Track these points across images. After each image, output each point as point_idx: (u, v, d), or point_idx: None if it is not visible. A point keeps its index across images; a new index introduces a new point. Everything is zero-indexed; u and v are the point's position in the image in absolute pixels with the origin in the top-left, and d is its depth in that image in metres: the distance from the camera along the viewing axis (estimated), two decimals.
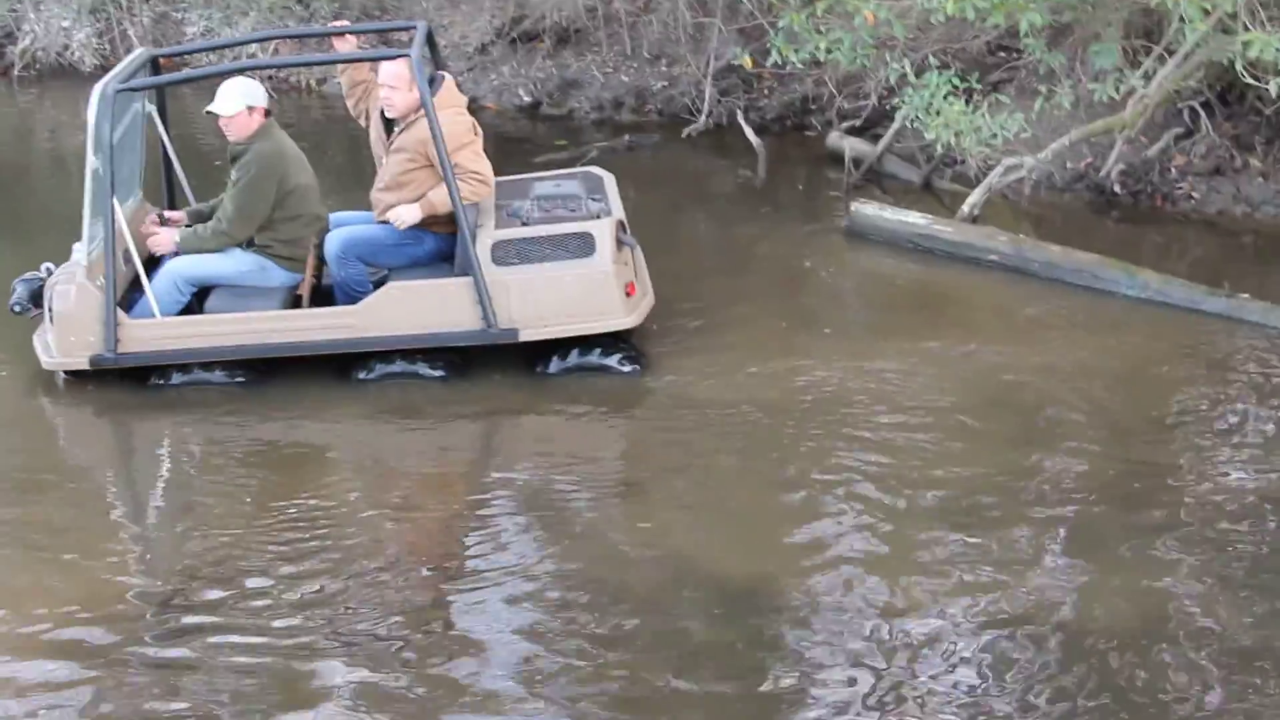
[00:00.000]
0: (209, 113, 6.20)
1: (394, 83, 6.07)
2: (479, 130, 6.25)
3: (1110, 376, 6.08)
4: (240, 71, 6.41)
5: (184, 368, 6.09)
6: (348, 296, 6.14)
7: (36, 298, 6.24)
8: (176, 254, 6.29)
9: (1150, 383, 6.02)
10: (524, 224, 6.06)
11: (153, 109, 6.72)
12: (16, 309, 6.29)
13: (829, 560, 4.70)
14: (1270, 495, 5.05)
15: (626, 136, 10.45)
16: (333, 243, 6.18)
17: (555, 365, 6.05)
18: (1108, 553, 4.71)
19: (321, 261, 6.31)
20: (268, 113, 6.24)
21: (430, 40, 6.71)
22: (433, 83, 6.10)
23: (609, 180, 6.63)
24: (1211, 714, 3.90)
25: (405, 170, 6.11)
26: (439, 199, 5.99)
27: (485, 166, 6.13)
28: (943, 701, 3.97)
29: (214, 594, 4.62)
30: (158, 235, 6.35)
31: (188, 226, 6.43)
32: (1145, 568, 4.61)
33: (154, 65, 6.61)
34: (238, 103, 6.12)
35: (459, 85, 6.47)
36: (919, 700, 3.98)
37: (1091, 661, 4.13)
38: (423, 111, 5.97)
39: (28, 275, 6.33)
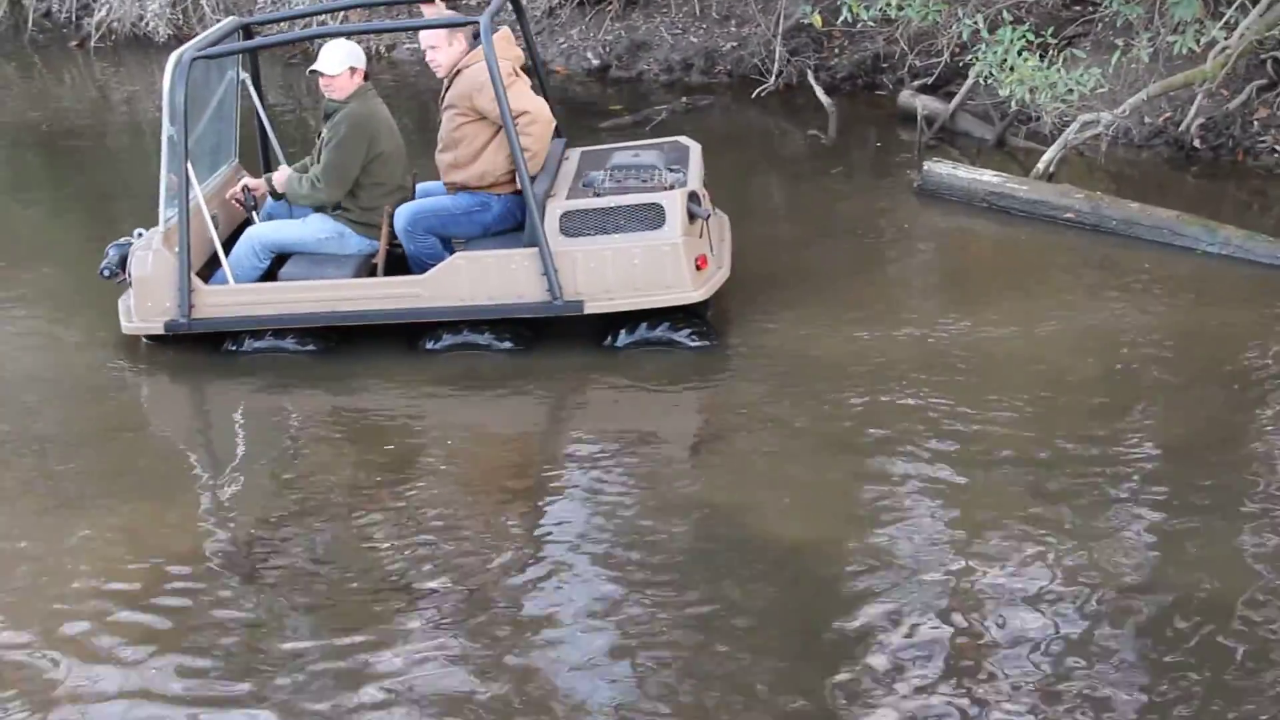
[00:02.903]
0: (313, 72, 6.20)
1: (433, 42, 6.09)
2: (520, 73, 6.19)
3: (1191, 335, 5.97)
4: (314, 39, 6.42)
5: (256, 334, 6.15)
6: (423, 269, 6.14)
7: (125, 263, 6.32)
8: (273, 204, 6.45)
9: (1232, 340, 5.90)
10: (596, 194, 6.02)
11: (246, 77, 6.77)
12: (105, 274, 6.35)
13: (900, 528, 4.65)
14: None
15: (684, 99, 10.40)
16: (400, 218, 6.17)
17: (622, 339, 6.00)
18: (1189, 515, 4.62)
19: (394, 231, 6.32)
20: (366, 76, 6.27)
21: (517, 7, 6.70)
22: (476, 37, 6.04)
23: (694, 150, 6.49)
24: None
25: (456, 126, 6.10)
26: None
27: (532, 104, 6.06)
28: (1016, 670, 3.91)
29: (282, 549, 4.70)
30: (275, 174, 6.45)
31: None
32: (1228, 531, 4.52)
33: (246, 33, 6.64)
34: (342, 63, 6.14)
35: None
36: (990, 670, 3.93)
37: (1175, 627, 4.04)
38: (462, 68, 6.02)
39: (120, 241, 6.38)
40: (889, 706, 3.79)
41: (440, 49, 6.09)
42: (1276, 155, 8.21)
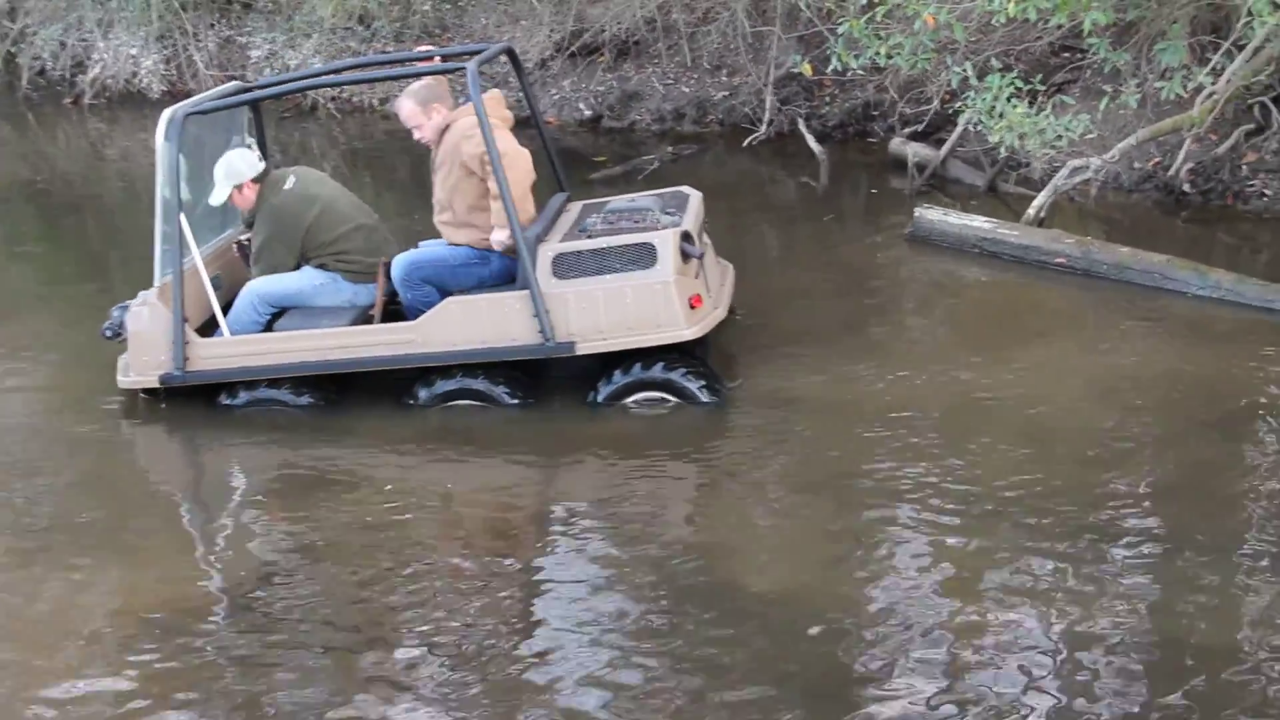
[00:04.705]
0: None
1: (413, 123, 6.19)
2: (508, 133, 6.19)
3: (1184, 379, 5.97)
4: (300, 91, 6.47)
5: (251, 386, 6.14)
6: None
7: None
8: None
9: (1225, 384, 5.90)
10: (589, 237, 6.04)
11: (252, 141, 6.81)
12: (108, 334, 6.40)
13: (893, 576, 4.62)
14: None
15: (669, 149, 10.48)
16: (398, 267, 6.20)
17: (618, 378, 5.98)
18: (1184, 561, 4.59)
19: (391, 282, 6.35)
20: (262, 176, 6.35)
21: (514, 60, 6.80)
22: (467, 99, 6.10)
23: (695, 197, 6.48)
24: None
25: (450, 187, 6.14)
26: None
27: (511, 145, 5.98)
28: (1016, 716, 3.88)
29: (270, 607, 4.66)
30: None
31: None
32: (1225, 577, 4.47)
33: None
34: (225, 188, 6.33)
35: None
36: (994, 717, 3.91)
37: (1172, 674, 4.01)
38: (447, 126, 6.07)
39: (124, 303, 6.40)
40: None
41: (423, 126, 6.16)
42: (1265, 199, 8.26)
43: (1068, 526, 4.82)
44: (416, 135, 6.23)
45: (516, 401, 6.04)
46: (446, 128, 6.11)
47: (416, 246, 6.44)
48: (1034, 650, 4.15)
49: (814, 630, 4.32)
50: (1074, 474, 5.20)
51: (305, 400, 6.15)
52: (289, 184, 6.38)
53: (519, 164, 5.99)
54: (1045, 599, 4.40)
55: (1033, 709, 3.88)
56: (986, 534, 4.82)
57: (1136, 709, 3.88)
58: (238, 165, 6.33)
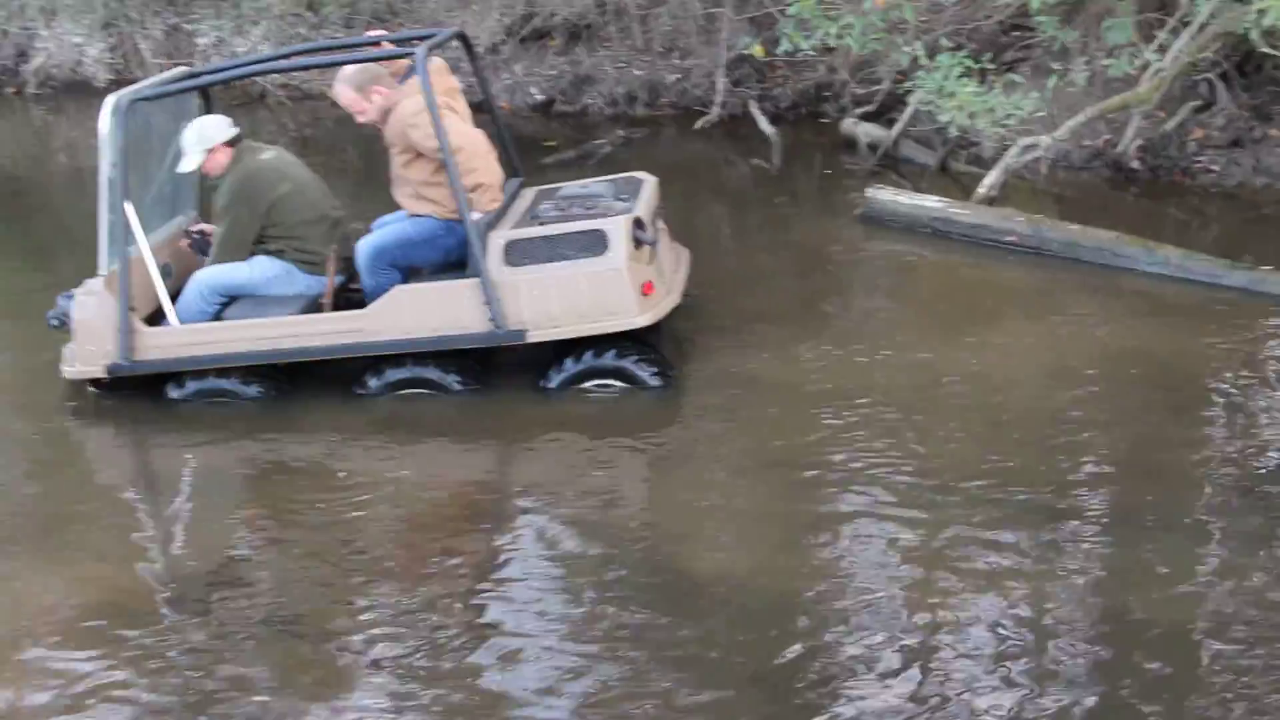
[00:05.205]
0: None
1: (355, 109, 6.14)
2: (454, 104, 6.14)
3: (1135, 356, 6.00)
4: (249, 76, 6.39)
5: (199, 375, 6.08)
6: None
7: None
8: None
9: (1176, 360, 5.94)
10: (540, 224, 6.00)
11: None
12: (54, 323, 6.31)
13: (851, 558, 4.62)
14: None
15: (620, 132, 10.45)
16: (362, 254, 6.14)
17: (569, 365, 5.94)
18: (1138, 536, 4.61)
19: (348, 269, 6.30)
20: (235, 140, 6.25)
21: (466, 44, 6.77)
22: (411, 72, 6.05)
23: (649, 183, 6.44)
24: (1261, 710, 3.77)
25: (403, 164, 6.10)
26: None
27: (467, 138, 5.96)
28: (967, 702, 3.89)
29: (220, 604, 4.60)
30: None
31: None
32: (1183, 555, 4.49)
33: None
34: (197, 153, 6.19)
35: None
36: (946, 695, 3.90)
37: (1130, 656, 4.02)
38: (391, 107, 6.02)
39: (70, 292, 6.29)
40: None
41: (365, 110, 6.12)
42: (1213, 175, 8.33)
43: (1024, 505, 4.83)
44: (359, 119, 6.18)
45: (468, 389, 6.01)
46: (390, 110, 6.06)
47: (368, 229, 6.39)
48: (992, 629, 4.16)
49: (773, 616, 4.31)
50: (1029, 453, 5.21)
51: (254, 390, 6.09)
52: (267, 155, 6.30)
53: (479, 152, 5.94)
54: (1003, 578, 4.41)
55: (992, 688, 3.89)
56: (944, 514, 4.81)
57: (1096, 687, 3.90)
58: (209, 129, 6.21)
